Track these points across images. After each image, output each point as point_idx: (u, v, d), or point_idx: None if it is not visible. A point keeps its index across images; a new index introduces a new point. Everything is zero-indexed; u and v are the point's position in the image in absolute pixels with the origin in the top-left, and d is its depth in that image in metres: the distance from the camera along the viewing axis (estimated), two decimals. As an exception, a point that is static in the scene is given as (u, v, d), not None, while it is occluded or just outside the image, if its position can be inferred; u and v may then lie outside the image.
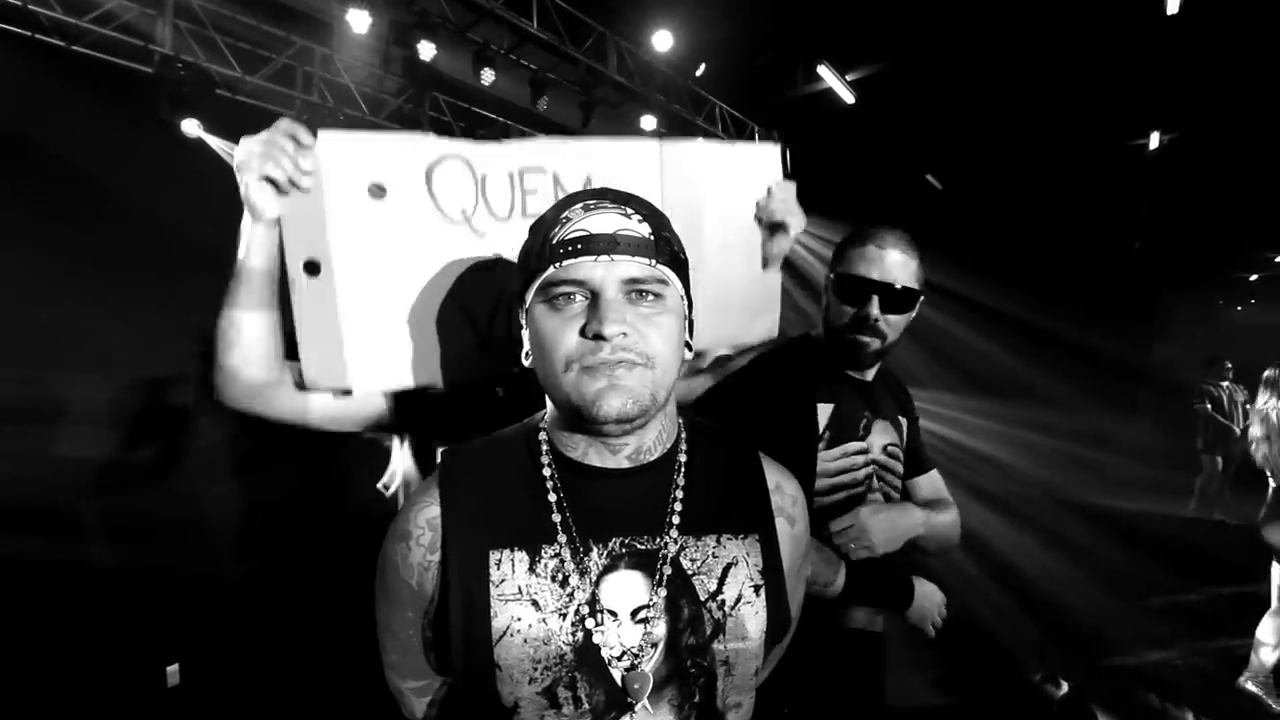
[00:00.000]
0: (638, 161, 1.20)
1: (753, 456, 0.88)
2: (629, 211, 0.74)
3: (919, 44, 7.00)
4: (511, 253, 1.10)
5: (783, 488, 0.88)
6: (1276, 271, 18.12)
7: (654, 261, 0.72)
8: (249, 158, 0.94)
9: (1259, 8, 6.00)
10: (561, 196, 1.11)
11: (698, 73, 7.33)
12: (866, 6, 6.47)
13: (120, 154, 4.48)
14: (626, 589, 0.75)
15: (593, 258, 0.70)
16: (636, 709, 0.73)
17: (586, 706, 0.72)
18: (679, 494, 0.79)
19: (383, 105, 6.02)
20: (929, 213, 8.88)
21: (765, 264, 1.29)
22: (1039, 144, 8.39)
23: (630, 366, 0.71)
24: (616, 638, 0.73)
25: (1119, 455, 8.35)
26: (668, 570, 0.76)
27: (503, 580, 0.74)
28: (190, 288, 4.59)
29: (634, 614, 0.74)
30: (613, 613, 0.74)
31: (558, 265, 0.71)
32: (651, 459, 0.79)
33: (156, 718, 2.86)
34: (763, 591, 0.79)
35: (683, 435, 0.84)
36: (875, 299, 1.31)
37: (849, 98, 7.52)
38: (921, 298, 1.38)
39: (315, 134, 0.99)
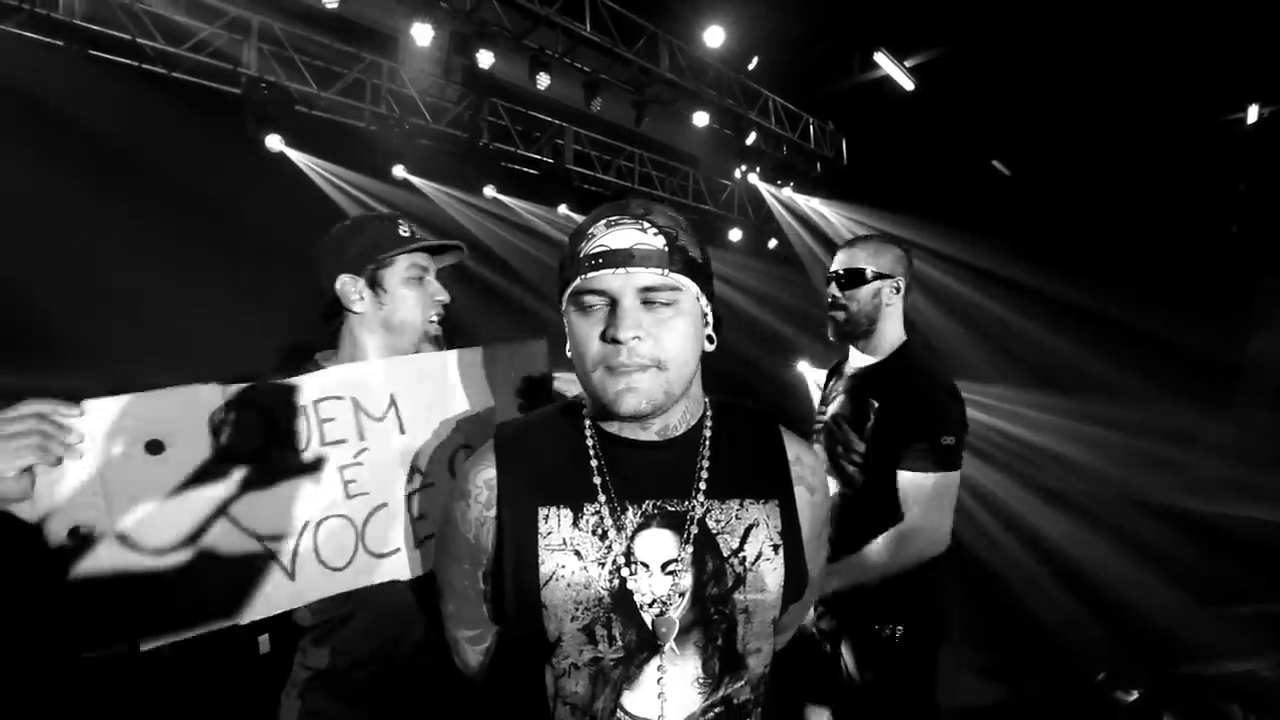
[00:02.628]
0: (433, 374, 1.26)
1: (774, 431, 0.96)
2: (645, 226, 0.82)
3: (982, 21, 6.72)
4: (318, 481, 1.14)
5: (802, 459, 0.95)
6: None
7: (666, 270, 0.80)
8: None
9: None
10: (368, 414, 1.19)
11: (750, 66, 7.29)
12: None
13: (212, 169, 4.91)
14: (658, 544, 0.85)
15: (611, 270, 0.79)
16: (665, 649, 0.83)
17: (620, 644, 0.83)
18: (705, 464, 0.89)
19: (444, 113, 6.30)
20: (996, 201, 8.51)
21: None
22: (1120, 122, 7.89)
23: (644, 369, 0.80)
24: (648, 586, 0.84)
25: (1207, 455, 7.79)
26: (694, 529, 0.85)
27: (550, 533, 0.85)
28: (274, 290, 5.00)
29: (664, 566, 0.84)
30: (645, 564, 0.84)
31: (583, 277, 0.81)
32: (677, 434, 0.89)
33: (250, 679, 3.16)
34: (781, 551, 0.88)
35: (708, 413, 0.93)
36: (832, 283, 1.79)
37: (908, 85, 7.30)
38: (874, 277, 1.73)
39: (79, 404, 0.96)
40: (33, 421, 0.89)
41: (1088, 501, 6.22)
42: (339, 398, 1.17)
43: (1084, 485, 6.78)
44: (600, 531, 0.85)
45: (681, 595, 0.84)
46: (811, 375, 10.08)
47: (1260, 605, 4.29)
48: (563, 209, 7.45)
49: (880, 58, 7.08)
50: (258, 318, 4.71)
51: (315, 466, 1.14)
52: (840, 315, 1.77)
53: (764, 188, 8.59)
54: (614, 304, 0.80)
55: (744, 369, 8.79)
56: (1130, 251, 8.55)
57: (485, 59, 5.46)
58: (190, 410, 1.06)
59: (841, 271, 1.75)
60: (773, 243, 9.28)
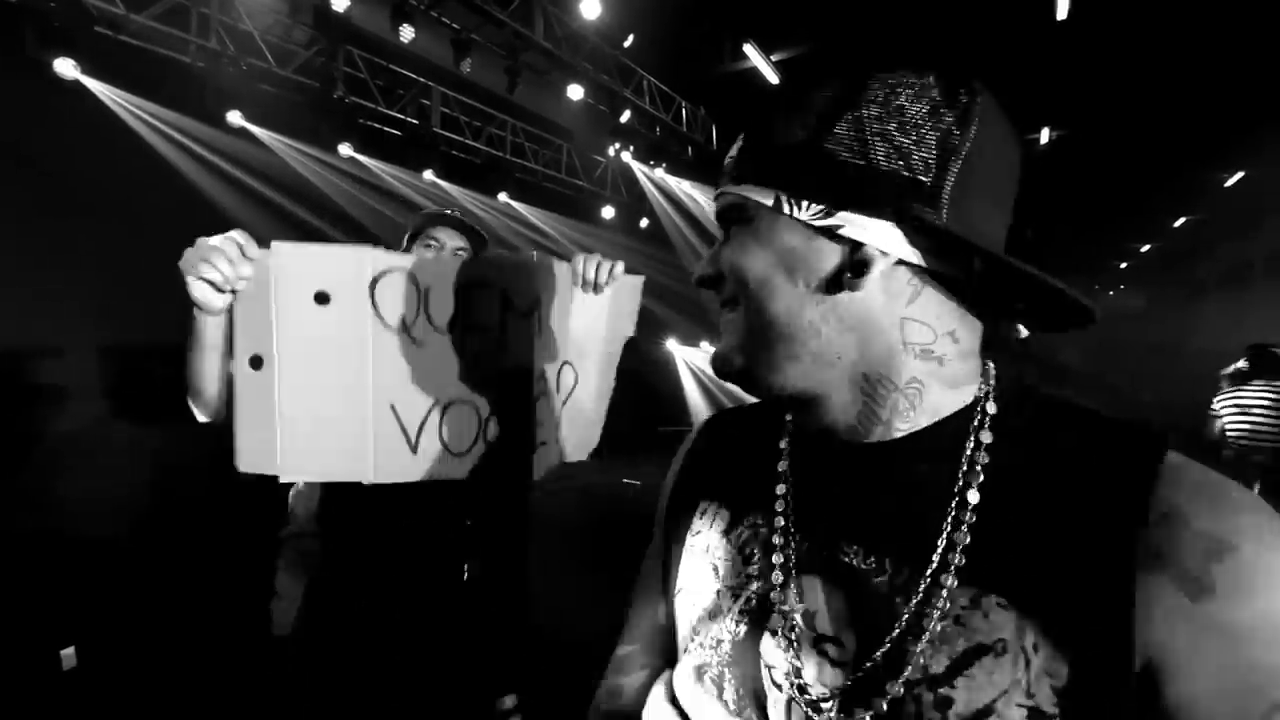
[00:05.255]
0: (565, 287, 1.29)
1: (1137, 473, 0.46)
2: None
3: (840, 28, 7.24)
4: (453, 363, 1.16)
5: (1184, 515, 0.43)
6: (1142, 259, 20.24)
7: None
8: (190, 261, 1.03)
9: (1141, 17, 6.63)
10: (515, 308, 1.21)
11: (626, 44, 7.28)
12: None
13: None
14: (815, 604, 0.54)
15: None
16: None
17: (734, 709, 0.56)
18: (967, 504, 0.50)
19: (291, 57, 5.63)
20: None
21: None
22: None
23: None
24: (785, 654, 0.54)
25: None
26: (895, 626, 0.50)
27: (699, 532, 0.65)
28: (72, 240, 4.23)
29: (818, 641, 0.53)
30: (791, 623, 0.55)
31: None
32: (904, 434, 0.54)
33: (52, 702, 2.73)
34: None
35: (985, 407, 0.54)
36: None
37: (774, 78, 7.69)
38: None
39: (269, 244, 1.07)
40: (229, 244, 1.01)
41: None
42: (488, 286, 1.20)
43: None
44: (748, 552, 0.60)
45: (829, 695, 0.51)
46: (680, 353, 10.48)
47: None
48: (428, 175, 7.00)
49: (749, 49, 7.38)
50: (56, 270, 3.98)
51: (455, 348, 1.18)
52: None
53: (637, 167, 8.68)
54: None
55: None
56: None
57: (340, 1, 4.95)
58: (355, 269, 1.10)
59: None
60: (644, 222, 9.44)
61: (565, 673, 2.86)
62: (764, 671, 0.55)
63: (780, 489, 0.60)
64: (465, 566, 1.67)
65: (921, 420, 0.53)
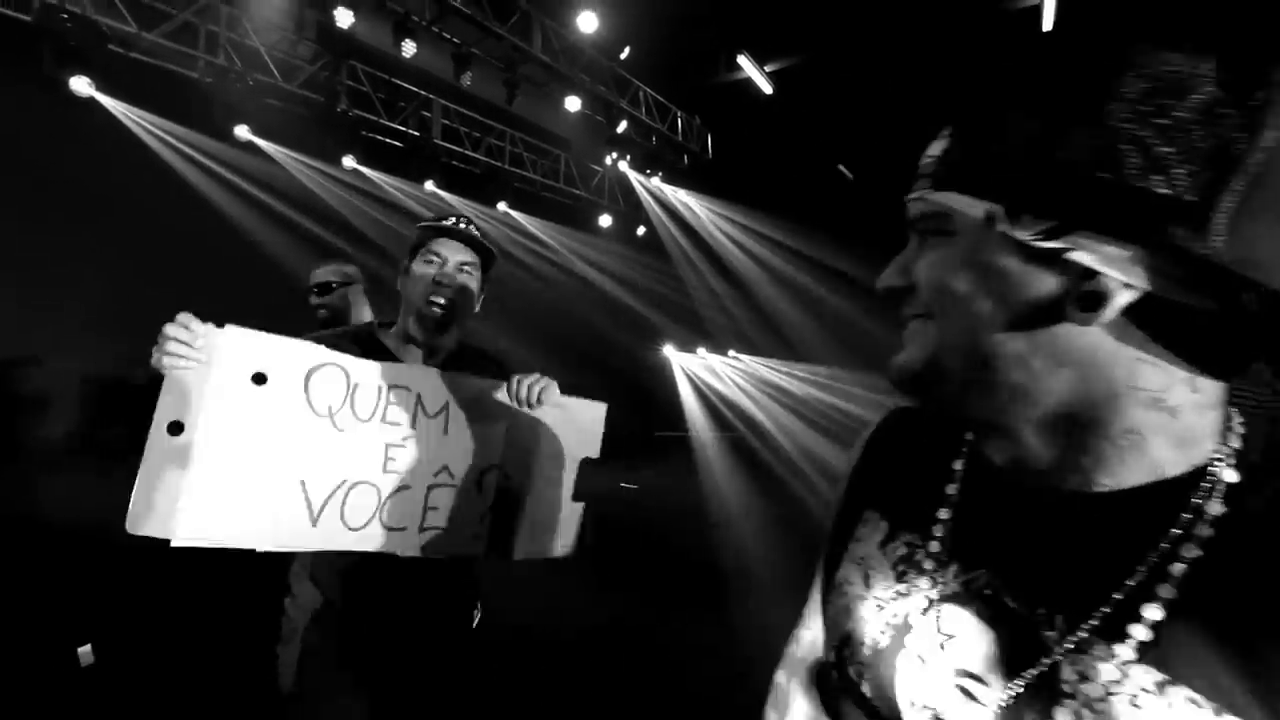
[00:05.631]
0: (493, 400, 1.43)
1: None
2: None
3: (833, 40, 7.40)
4: (367, 449, 1.30)
5: None
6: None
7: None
8: (156, 358, 1.12)
9: (1128, 26, 6.78)
10: (425, 410, 1.36)
11: (622, 55, 7.43)
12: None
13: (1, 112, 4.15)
14: (958, 636, 0.51)
15: None
16: None
17: (865, 713, 0.57)
18: (1160, 578, 0.44)
19: (296, 72, 5.77)
20: (840, 200, 9.43)
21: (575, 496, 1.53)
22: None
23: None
24: (920, 677, 0.52)
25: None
26: (1031, 671, 0.46)
27: (859, 540, 0.64)
28: (91, 254, 4.35)
29: (960, 674, 0.50)
30: (930, 650, 0.53)
31: None
32: (1099, 490, 0.47)
33: (70, 700, 2.82)
34: None
35: (1216, 479, 0.45)
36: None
37: (767, 88, 7.85)
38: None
39: (222, 325, 1.17)
40: (180, 330, 1.11)
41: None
42: (407, 389, 1.36)
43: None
44: (900, 569, 0.58)
45: None
46: (676, 359, 10.61)
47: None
48: (429, 185, 7.13)
49: (742, 60, 7.54)
50: (70, 276, 4.10)
51: (370, 436, 1.31)
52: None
53: (634, 176, 8.82)
54: None
55: (608, 351, 9.03)
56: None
57: (344, 18, 5.09)
58: (295, 358, 1.24)
59: None
60: (640, 230, 9.57)
61: (562, 670, 2.96)
62: (897, 688, 0.54)
63: (943, 513, 0.57)
64: (476, 611, 1.69)
65: (1134, 477, 0.46)
